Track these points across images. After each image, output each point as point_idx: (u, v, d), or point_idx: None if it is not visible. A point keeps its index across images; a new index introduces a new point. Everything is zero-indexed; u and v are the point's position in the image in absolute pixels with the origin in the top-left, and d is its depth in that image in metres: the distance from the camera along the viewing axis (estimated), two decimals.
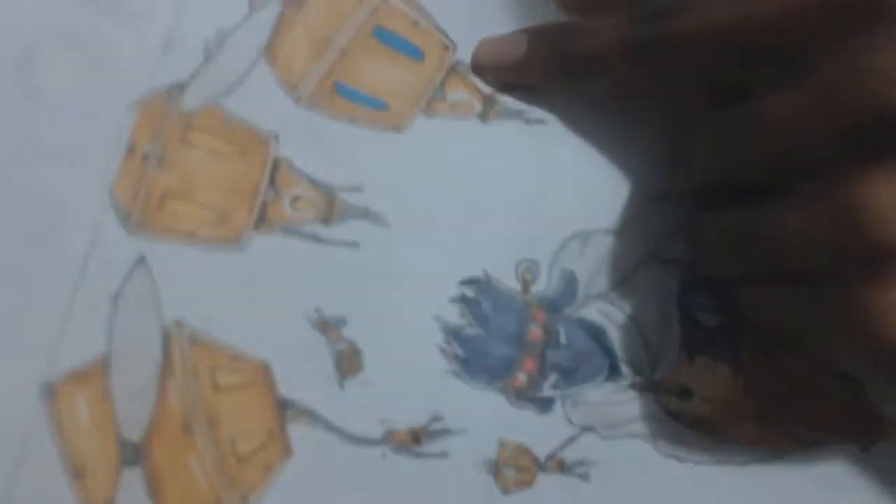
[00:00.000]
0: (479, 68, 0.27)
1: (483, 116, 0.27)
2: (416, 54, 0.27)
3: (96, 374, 0.23)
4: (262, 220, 0.25)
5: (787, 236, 0.21)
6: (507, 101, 0.27)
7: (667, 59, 0.23)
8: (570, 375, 0.26)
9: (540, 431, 0.25)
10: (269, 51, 0.25)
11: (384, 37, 0.26)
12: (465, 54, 0.27)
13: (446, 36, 0.27)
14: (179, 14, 0.25)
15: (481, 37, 0.27)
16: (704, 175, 0.24)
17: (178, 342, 0.24)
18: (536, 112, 0.27)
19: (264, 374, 0.24)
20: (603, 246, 0.27)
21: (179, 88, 0.25)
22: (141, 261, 0.24)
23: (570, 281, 0.27)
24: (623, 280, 0.27)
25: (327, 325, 0.25)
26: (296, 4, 0.26)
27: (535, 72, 0.26)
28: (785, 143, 0.21)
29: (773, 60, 0.21)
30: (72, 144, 0.24)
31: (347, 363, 0.25)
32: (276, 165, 0.25)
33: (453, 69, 0.27)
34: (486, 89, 0.27)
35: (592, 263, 0.27)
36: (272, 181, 0.25)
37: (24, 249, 0.23)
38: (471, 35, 0.27)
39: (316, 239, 0.25)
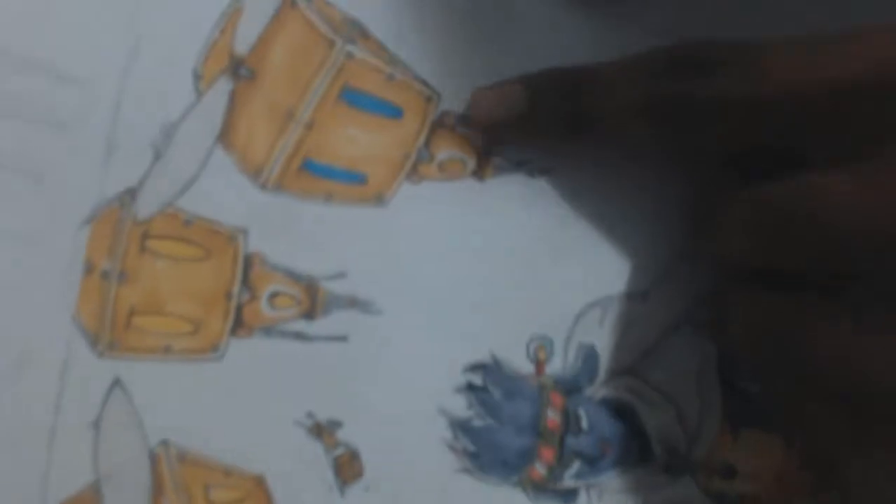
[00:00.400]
0: (475, 123, 0.23)
1: (479, 174, 0.23)
2: (393, 112, 0.23)
3: (89, 503, 0.23)
4: (239, 325, 0.23)
5: (847, 358, 0.17)
6: (507, 150, 0.23)
7: (701, 122, 0.19)
8: (594, 462, 0.23)
9: None
10: (225, 135, 0.22)
11: (354, 98, 0.23)
12: (451, 103, 0.23)
13: (427, 86, 0.23)
14: (117, 112, 0.22)
15: (470, 83, 0.23)
16: (728, 254, 0.20)
17: (165, 463, 0.23)
18: (542, 161, 0.23)
19: (260, 487, 0.23)
20: (628, 313, 0.24)
21: (131, 195, 0.22)
22: (116, 384, 0.22)
23: (589, 357, 0.24)
24: (652, 349, 0.24)
25: (322, 430, 0.23)
26: (248, 78, 0.22)
27: (537, 130, 0.22)
28: (845, 240, 0.17)
29: (845, 128, 0.17)
30: (27, 273, 0.22)
31: (347, 469, 0.23)
32: (247, 263, 0.23)
33: (439, 123, 0.23)
34: (480, 140, 0.23)
35: (615, 334, 0.24)
36: (245, 281, 0.23)
37: None
38: (457, 81, 0.23)
39: (301, 337, 0.23)
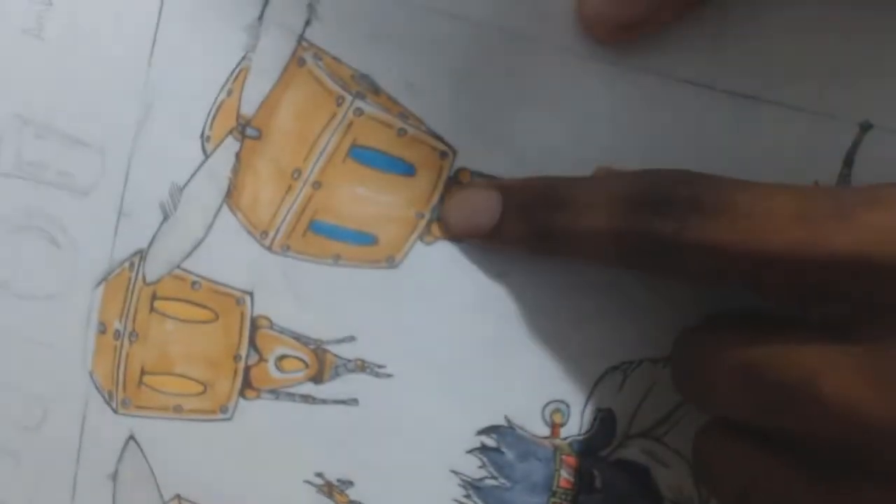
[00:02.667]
0: (446, 229, 0.22)
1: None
2: (405, 169, 0.22)
3: None
4: (247, 386, 0.23)
5: None
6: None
7: (671, 265, 0.18)
8: None
9: None
10: (231, 196, 0.22)
11: (364, 156, 0.22)
12: (468, 159, 0.22)
13: (442, 141, 0.22)
14: (127, 176, 0.21)
15: (487, 138, 0.22)
16: (711, 410, 0.19)
17: None
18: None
19: None
20: (648, 377, 0.23)
21: (140, 257, 0.22)
22: (131, 439, 0.23)
23: (606, 421, 0.23)
24: (671, 413, 0.23)
25: (333, 489, 0.23)
26: (255, 138, 0.22)
27: (510, 243, 0.21)
28: (841, 423, 0.16)
29: (825, 298, 0.16)
30: (46, 332, 0.22)
31: None
32: (254, 325, 0.22)
33: (455, 180, 0.22)
34: None
35: (635, 399, 0.23)
36: (253, 343, 0.22)
37: (20, 438, 0.23)
38: (473, 136, 0.22)
39: (309, 400, 0.23)
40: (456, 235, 0.22)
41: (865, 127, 0.22)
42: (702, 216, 0.17)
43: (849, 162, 0.22)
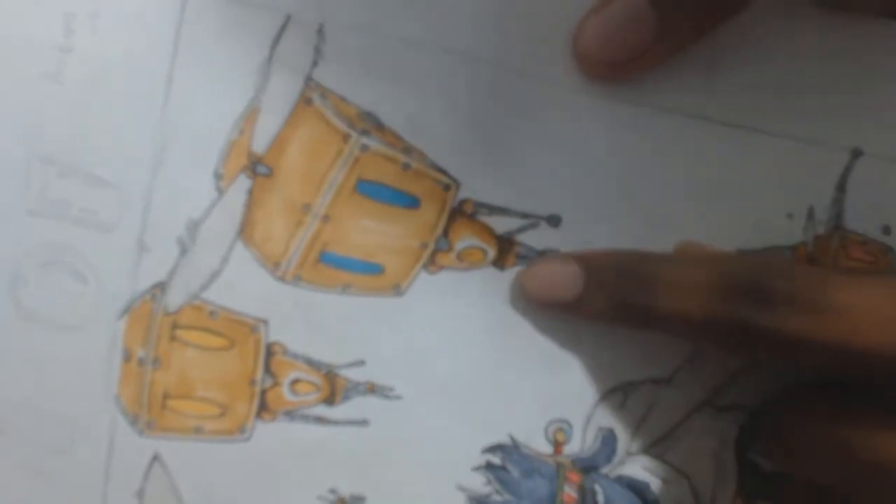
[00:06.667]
0: (523, 294, 0.23)
1: (499, 263, 0.23)
2: (409, 202, 0.23)
3: None
4: (263, 408, 0.24)
5: None
6: (528, 239, 0.23)
7: (761, 353, 0.19)
8: None
9: None
10: (245, 230, 0.23)
11: (370, 190, 0.23)
12: (471, 190, 0.23)
13: (445, 174, 0.23)
14: (146, 213, 0.23)
15: (488, 170, 0.23)
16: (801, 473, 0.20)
17: None
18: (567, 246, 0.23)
19: None
20: (650, 397, 0.23)
21: (161, 288, 0.23)
22: (156, 459, 0.24)
23: (608, 439, 0.24)
24: (671, 431, 0.24)
25: None
26: (266, 175, 0.23)
27: (590, 315, 0.22)
28: None
29: None
30: (74, 360, 0.23)
31: None
32: (269, 351, 0.23)
33: (458, 212, 0.23)
34: (501, 228, 0.23)
35: (636, 418, 0.24)
36: (268, 368, 0.24)
37: (51, 460, 0.24)
38: (475, 168, 0.23)
39: (322, 421, 0.24)
40: (534, 302, 0.23)
41: (856, 153, 0.22)
42: (802, 314, 0.17)
43: (841, 187, 0.23)
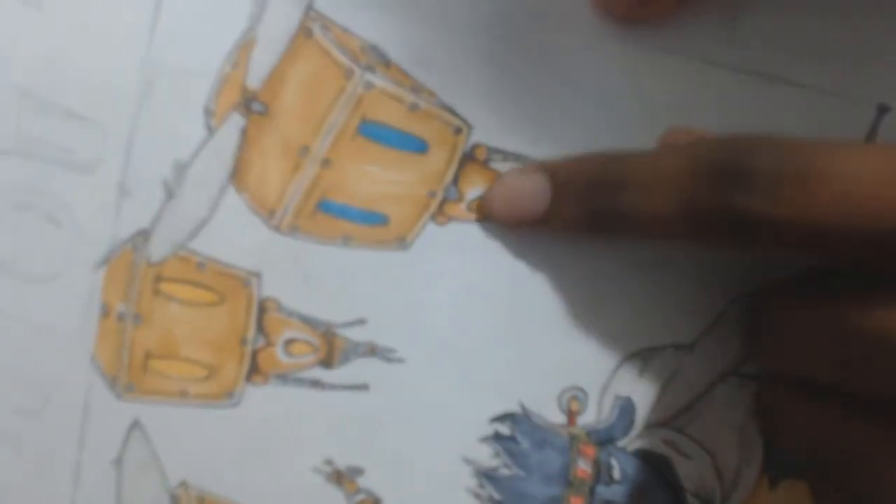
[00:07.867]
0: (490, 217, 0.21)
1: None
2: (417, 146, 0.21)
3: None
4: (254, 371, 0.22)
5: None
6: None
7: (746, 240, 0.16)
8: None
9: None
10: (237, 174, 0.21)
11: (374, 132, 0.21)
12: (484, 134, 0.21)
13: (456, 115, 0.21)
14: (129, 153, 0.21)
15: (503, 112, 0.21)
16: (785, 369, 0.18)
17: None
18: None
19: None
20: (671, 365, 0.22)
21: (144, 236, 0.21)
22: (135, 425, 0.22)
23: (625, 409, 0.22)
24: (694, 402, 0.22)
25: (342, 477, 0.22)
26: (261, 113, 0.21)
27: (562, 228, 0.20)
28: None
29: None
30: (47, 315, 0.21)
31: None
32: (261, 308, 0.22)
33: (470, 157, 0.21)
34: None
35: (656, 387, 0.22)
36: (260, 327, 0.22)
37: (20, 423, 0.22)
38: (489, 110, 0.21)
39: (318, 385, 0.22)
40: (502, 223, 0.21)
41: (883, 109, 0.21)
42: (792, 187, 0.15)
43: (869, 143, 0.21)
